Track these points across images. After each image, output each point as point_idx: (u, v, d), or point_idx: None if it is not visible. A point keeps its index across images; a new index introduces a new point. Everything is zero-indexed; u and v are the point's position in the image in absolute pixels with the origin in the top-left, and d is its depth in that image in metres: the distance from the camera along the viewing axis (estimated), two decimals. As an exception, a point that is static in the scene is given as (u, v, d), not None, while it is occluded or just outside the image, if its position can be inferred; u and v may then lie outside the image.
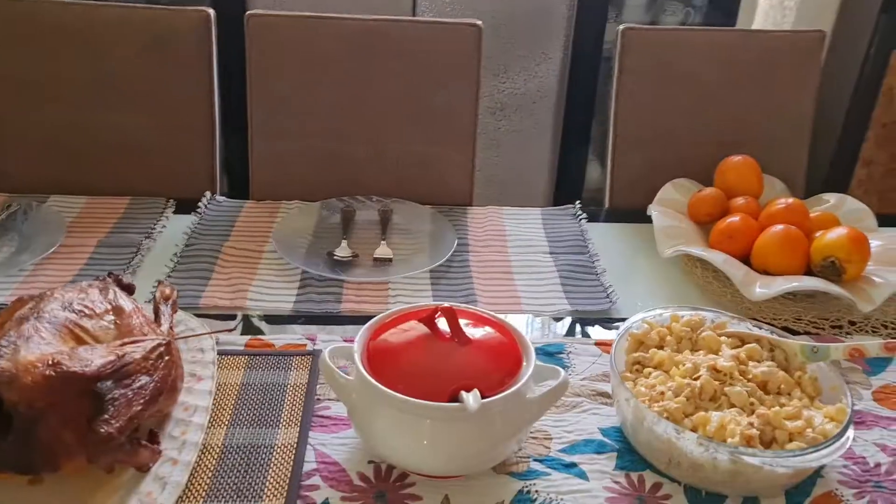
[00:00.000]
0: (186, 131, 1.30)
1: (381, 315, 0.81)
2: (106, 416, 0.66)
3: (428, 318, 0.77)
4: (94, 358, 0.68)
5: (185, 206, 1.25)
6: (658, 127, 1.35)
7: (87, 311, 0.75)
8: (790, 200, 1.13)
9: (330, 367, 0.76)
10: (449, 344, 0.75)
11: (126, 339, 0.73)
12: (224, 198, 1.28)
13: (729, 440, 0.73)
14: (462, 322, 0.77)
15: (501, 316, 0.81)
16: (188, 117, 1.29)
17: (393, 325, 0.79)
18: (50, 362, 0.65)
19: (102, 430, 0.65)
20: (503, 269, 1.13)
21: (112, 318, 0.76)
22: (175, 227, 1.19)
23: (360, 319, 0.99)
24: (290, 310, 1.02)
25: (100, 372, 0.67)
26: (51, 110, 1.27)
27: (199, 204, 1.24)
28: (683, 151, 1.34)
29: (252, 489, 0.73)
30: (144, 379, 0.70)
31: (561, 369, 0.77)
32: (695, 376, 0.80)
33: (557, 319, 1.03)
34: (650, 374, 0.83)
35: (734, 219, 1.13)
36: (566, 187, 2.10)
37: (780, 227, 1.09)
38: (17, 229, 1.14)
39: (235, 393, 0.85)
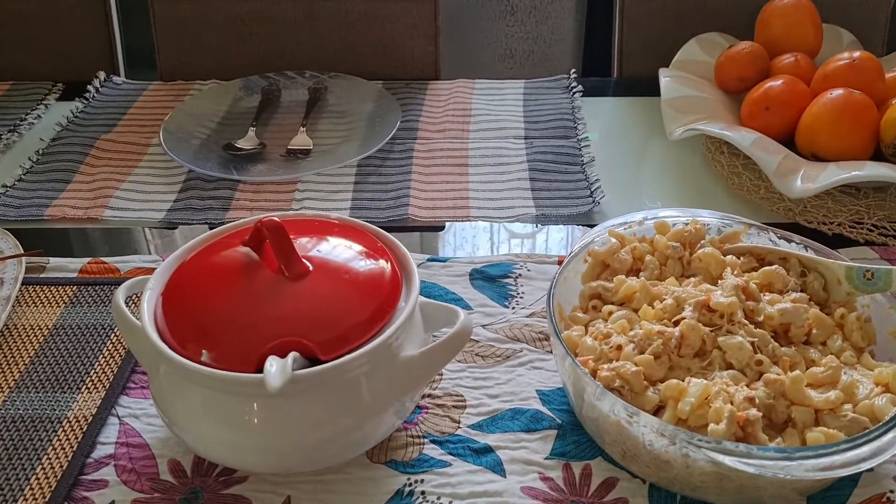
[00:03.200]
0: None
1: (206, 234, 0.55)
2: None
3: (255, 238, 0.51)
4: None
5: (77, 90, 1.00)
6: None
7: None
8: (856, 55, 0.80)
9: (121, 310, 0.51)
10: (277, 278, 0.49)
11: None
12: (124, 79, 1.03)
13: (711, 426, 0.46)
14: (310, 242, 0.51)
15: (374, 228, 0.55)
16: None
17: (213, 252, 0.53)
18: None
19: None
20: (457, 160, 0.86)
21: None
22: (54, 117, 0.95)
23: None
24: (158, 220, 0.77)
25: None
26: None
27: (89, 87, 0.99)
28: (715, -2, 1.00)
29: (8, 487, 0.51)
30: None
31: (460, 311, 0.50)
32: (675, 319, 0.53)
33: (514, 228, 0.76)
34: (610, 314, 0.56)
35: (775, 83, 0.82)
36: (595, 62, 1.75)
37: (838, 91, 0.77)
38: None
39: (40, 341, 0.62)
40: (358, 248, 0.52)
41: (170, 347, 0.46)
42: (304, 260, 0.49)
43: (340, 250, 0.52)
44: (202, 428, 0.48)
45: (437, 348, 0.49)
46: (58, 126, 0.92)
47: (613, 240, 0.59)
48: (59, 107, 0.98)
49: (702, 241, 0.60)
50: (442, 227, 0.76)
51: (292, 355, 0.44)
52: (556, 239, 0.75)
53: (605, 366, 0.50)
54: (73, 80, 1.02)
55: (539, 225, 0.76)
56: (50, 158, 0.86)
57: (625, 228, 0.61)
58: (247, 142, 0.87)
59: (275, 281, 0.49)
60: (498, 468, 0.52)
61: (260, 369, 0.44)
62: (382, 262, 0.52)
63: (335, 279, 0.50)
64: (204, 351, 0.46)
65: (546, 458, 0.52)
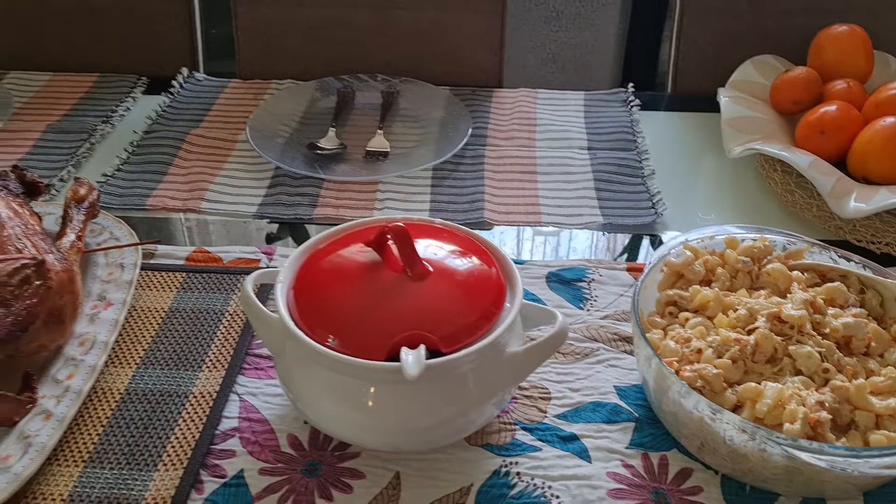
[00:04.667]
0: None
1: (326, 233, 0.61)
2: (-70, 364, 0.49)
3: (378, 241, 0.56)
4: (-82, 285, 0.51)
5: (161, 85, 1.06)
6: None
7: (-64, 219, 0.58)
8: (908, 84, 0.85)
9: (250, 299, 0.57)
10: (400, 277, 0.55)
11: (-12, 258, 0.56)
12: (205, 76, 1.08)
13: (787, 426, 0.52)
14: (426, 245, 0.57)
15: (484, 234, 0.61)
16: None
17: (338, 248, 0.59)
18: None
19: (-78, 383, 0.49)
20: (526, 168, 0.91)
21: (-27, 229, 0.59)
22: (142, 111, 1.01)
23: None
24: (252, 214, 0.83)
25: (-78, 305, 0.50)
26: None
27: (174, 82, 1.05)
28: (769, 21, 1.05)
29: (148, 452, 0.57)
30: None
31: (558, 313, 0.56)
32: (749, 328, 0.58)
33: (583, 236, 0.81)
34: (687, 320, 0.61)
35: (829, 108, 0.87)
36: (637, 70, 1.80)
37: (889, 119, 0.82)
38: (-42, 110, 0.98)
39: (158, 322, 0.68)
40: (465, 251, 0.58)
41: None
42: (424, 262, 0.55)
43: (451, 253, 0.58)
44: (328, 407, 0.54)
45: (537, 346, 0.55)
46: (148, 119, 0.98)
47: (688, 252, 0.65)
48: (144, 100, 1.04)
49: (768, 257, 0.66)
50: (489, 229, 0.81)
51: (422, 347, 0.50)
52: (616, 247, 0.81)
53: (688, 367, 0.56)
54: (154, 74, 1.08)
55: (605, 233, 0.82)
56: (144, 150, 0.92)
57: (697, 242, 0.67)
58: (328, 142, 0.92)
59: (399, 280, 0.54)
60: (584, 454, 0.58)
61: (389, 358, 0.50)
62: (489, 265, 0.57)
63: (451, 280, 0.55)
64: (333, 339, 0.52)
65: (626, 448, 0.58)
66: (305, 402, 0.55)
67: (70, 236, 0.67)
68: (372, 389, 0.52)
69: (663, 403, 0.57)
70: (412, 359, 0.48)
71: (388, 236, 0.55)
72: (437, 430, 0.55)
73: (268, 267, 0.75)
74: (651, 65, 1.78)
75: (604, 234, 0.81)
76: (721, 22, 1.06)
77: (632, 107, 1.03)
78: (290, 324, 0.53)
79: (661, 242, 0.80)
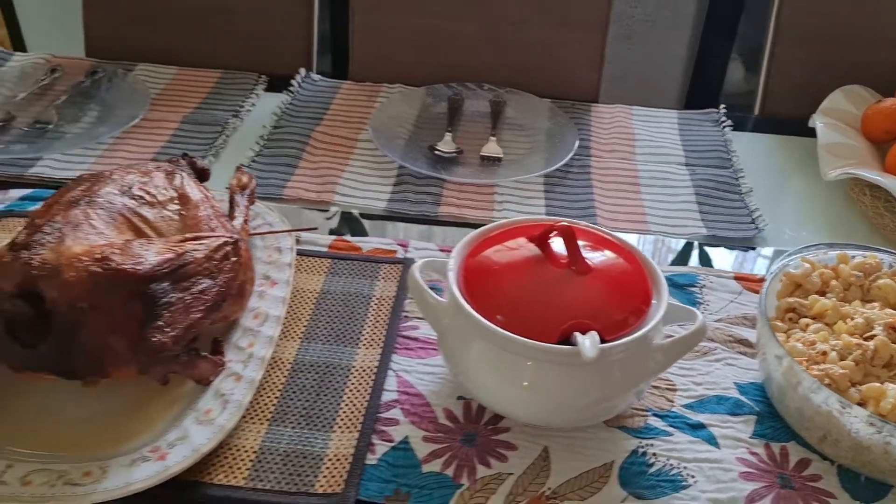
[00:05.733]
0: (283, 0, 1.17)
1: (485, 228, 0.68)
2: (160, 324, 0.57)
3: (541, 238, 0.63)
4: (149, 255, 0.58)
5: (278, 83, 1.13)
6: (831, 21, 1.12)
7: (147, 197, 0.65)
8: None
9: (419, 284, 0.64)
10: (564, 271, 0.61)
11: (188, 235, 0.63)
12: (320, 76, 1.16)
13: (911, 423, 0.58)
14: (581, 244, 0.64)
15: (627, 238, 0.67)
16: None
17: (498, 241, 0.66)
18: (98, 256, 0.56)
19: (155, 339, 0.56)
20: (629, 179, 0.98)
21: (177, 207, 0.66)
22: (265, 106, 1.08)
23: (460, 226, 0.88)
24: (382, 209, 0.90)
25: (154, 271, 0.57)
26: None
27: (293, 82, 1.12)
28: (859, 53, 1.11)
29: (323, 416, 0.64)
30: (206, 282, 0.61)
31: (698, 312, 0.62)
32: (866, 335, 0.64)
33: (689, 245, 0.88)
34: (808, 326, 0.67)
35: (921, 139, 0.93)
36: (702, 89, 1.86)
37: (982, 152, 0.88)
38: (100, 98, 1.05)
39: (313, 302, 0.75)
40: (612, 251, 0.65)
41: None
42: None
43: (603, 252, 0.64)
44: (491, 382, 0.60)
45: (679, 341, 0.61)
46: (274, 115, 1.05)
47: (807, 265, 0.71)
48: (266, 97, 1.11)
49: (877, 273, 0.72)
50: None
51: (595, 333, 0.56)
52: (726, 257, 0.87)
53: (815, 367, 0.62)
54: (271, 72, 1.15)
55: (708, 243, 0.88)
56: (274, 144, 0.99)
57: (813, 256, 0.73)
58: (446, 146, 0.99)
59: (563, 274, 0.61)
60: (712, 441, 0.64)
61: (560, 343, 0.57)
62: (635, 264, 0.64)
63: (607, 277, 0.62)
64: (503, 321, 0.58)
65: (750, 437, 0.64)
66: (469, 377, 0.62)
67: (239, 219, 0.74)
68: (537, 368, 0.59)
69: (788, 399, 0.63)
70: (589, 343, 0.55)
71: (554, 234, 0.62)
72: (587, 411, 0.61)
73: (404, 258, 0.81)
74: (717, 86, 1.84)
75: (704, 245, 0.88)
76: (812, 51, 1.12)
77: (724, 127, 1.09)
78: (467, 306, 0.59)
79: (778, 256, 0.86)
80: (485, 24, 1.13)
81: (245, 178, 0.79)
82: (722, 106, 1.13)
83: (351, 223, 0.87)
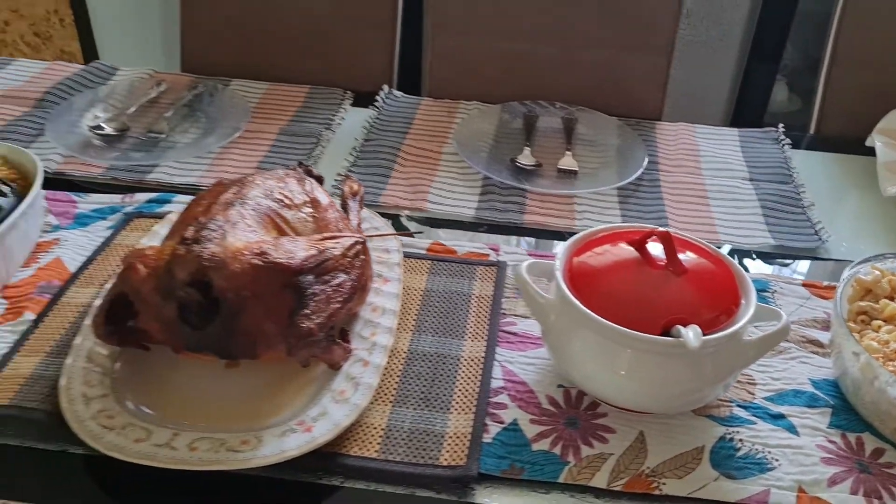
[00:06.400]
0: (368, 22, 1.25)
1: (584, 232, 0.75)
2: (307, 311, 0.64)
3: (639, 242, 0.70)
4: (297, 250, 0.66)
5: (361, 98, 1.21)
6: (886, 45, 1.19)
7: (286, 200, 0.73)
8: None
9: (528, 283, 0.71)
10: (662, 272, 0.68)
11: (325, 234, 0.70)
12: (401, 93, 1.24)
13: (980, 414, 0.64)
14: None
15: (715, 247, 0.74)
16: (371, 7, 1.24)
17: (596, 245, 0.73)
18: (257, 251, 0.64)
19: (304, 325, 0.63)
20: (697, 192, 1.04)
21: (310, 210, 0.74)
22: (352, 120, 1.16)
23: (543, 233, 0.95)
24: (472, 216, 0.97)
25: (303, 265, 0.65)
26: (238, -9, 1.26)
27: (377, 98, 1.20)
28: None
29: (440, 399, 0.71)
30: (342, 276, 0.68)
31: (783, 312, 0.69)
32: (935, 336, 0.71)
33: (758, 254, 0.94)
34: (880, 327, 0.74)
35: (977, 158, 0.99)
36: (747, 108, 1.93)
37: None
38: (204, 111, 1.14)
39: (419, 298, 0.82)
40: (702, 255, 0.71)
41: (588, 312, 0.66)
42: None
43: (696, 256, 0.71)
44: (593, 370, 0.67)
45: (766, 338, 0.68)
46: (363, 129, 1.13)
47: (877, 272, 0.78)
48: (353, 112, 1.19)
49: (942, 281, 0.78)
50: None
51: (695, 327, 0.63)
52: (792, 266, 0.93)
53: (890, 363, 0.68)
54: (355, 89, 1.23)
55: (775, 253, 0.94)
56: (367, 155, 1.07)
57: (881, 264, 0.79)
58: (526, 159, 1.06)
59: (662, 275, 0.68)
60: (793, 430, 0.70)
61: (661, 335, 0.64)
62: (723, 268, 0.71)
63: (701, 278, 0.69)
64: (609, 315, 0.65)
65: (827, 428, 0.71)
66: (574, 366, 0.69)
67: (354, 222, 0.82)
68: (640, 358, 0.65)
69: (864, 393, 0.69)
70: (692, 334, 0.61)
71: (652, 239, 0.69)
72: (680, 399, 0.68)
73: (497, 260, 0.88)
74: (762, 105, 1.91)
75: (768, 254, 0.94)
76: (867, 73, 1.19)
77: (783, 145, 1.15)
78: (576, 301, 0.66)
79: (839, 266, 0.92)
80: (558, 47, 1.21)
81: (355, 186, 0.86)
82: (781, 125, 1.19)
83: (443, 227, 0.95)
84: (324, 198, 0.76)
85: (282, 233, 0.70)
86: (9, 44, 2.27)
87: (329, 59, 1.27)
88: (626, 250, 0.71)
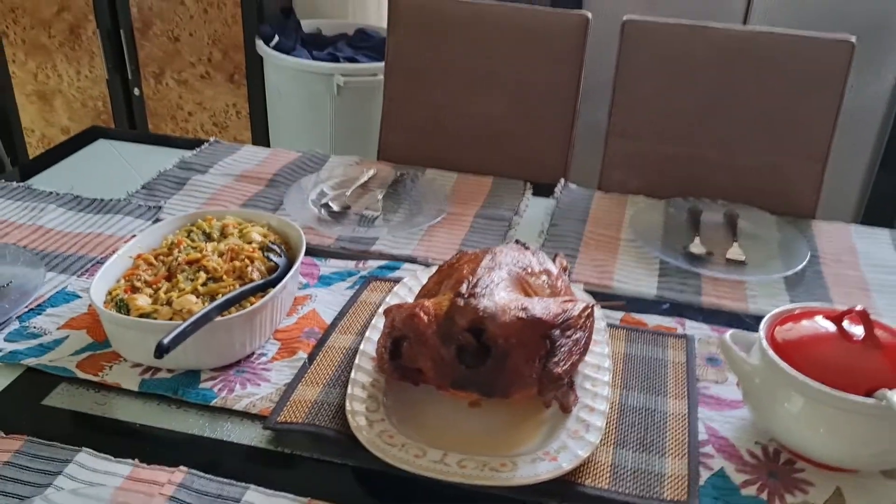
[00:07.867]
0: (548, 122, 1.43)
1: (780, 308, 0.86)
2: (557, 359, 0.77)
3: (836, 319, 0.81)
4: (549, 309, 0.80)
5: (539, 189, 1.37)
6: None
7: (528, 269, 0.88)
8: None
9: (733, 350, 0.83)
10: (860, 345, 0.79)
11: (565, 298, 0.84)
12: (575, 185, 1.39)
13: None
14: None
15: None
16: (552, 109, 1.42)
17: (793, 320, 0.84)
18: (521, 306, 0.78)
19: (556, 370, 0.77)
20: (859, 285, 1.14)
21: (546, 278, 0.88)
22: (534, 208, 1.32)
23: (719, 313, 1.06)
24: (653, 295, 1.10)
25: (555, 320, 0.79)
26: (435, 94, 1.45)
27: (556, 189, 1.36)
28: None
29: (655, 444, 0.82)
30: (579, 333, 0.82)
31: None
32: None
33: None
34: None
35: None
36: (878, 212, 2.01)
37: None
38: (408, 195, 1.32)
39: (622, 360, 0.95)
40: (893, 333, 0.82)
41: (795, 375, 0.77)
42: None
43: (887, 333, 0.81)
44: (803, 428, 0.78)
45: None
46: (547, 214, 1.29)
47: None
48: (533, 200, 1.35)
49: None
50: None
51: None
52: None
53: None
54: (533, 180, 1.39)
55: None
56: (554, 238, 1.22)
57: None
58: (697, 247, 1.19)
59: (861, 347, 0.79)
60: (978, 495, 0.78)
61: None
62: (910, 346, 0.81)
63: (893, 351, 0.79)
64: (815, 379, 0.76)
65: None
66: (777, 423, 0.79)
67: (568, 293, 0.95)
68: (844, 417, 0.76)
69: None
70: (896, 397, 0.72)
71: (850, 316, 0.80)
72: (878, 458, 0.78)
73: (685, 333, 1.00)
74: (891, 211, 1.99)
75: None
76: None
77: (935, 246, 1.24)
78: (785, 365, 0.78)
79: None
80: (722, 150, 1.35)
81: (565, 262, 1.01)
82: (929, 228, 1.29)
83: (628, 303, 1.08)
84: (553, 268, 0.91)
85: (527, 294, 0.85)
86: (189, 131, 2.57)
87: (511, 154, 1.44)
88: (824, 325, 0.82)
